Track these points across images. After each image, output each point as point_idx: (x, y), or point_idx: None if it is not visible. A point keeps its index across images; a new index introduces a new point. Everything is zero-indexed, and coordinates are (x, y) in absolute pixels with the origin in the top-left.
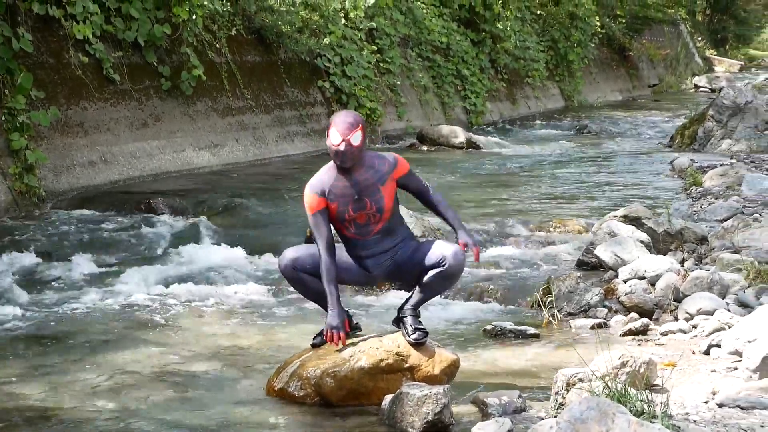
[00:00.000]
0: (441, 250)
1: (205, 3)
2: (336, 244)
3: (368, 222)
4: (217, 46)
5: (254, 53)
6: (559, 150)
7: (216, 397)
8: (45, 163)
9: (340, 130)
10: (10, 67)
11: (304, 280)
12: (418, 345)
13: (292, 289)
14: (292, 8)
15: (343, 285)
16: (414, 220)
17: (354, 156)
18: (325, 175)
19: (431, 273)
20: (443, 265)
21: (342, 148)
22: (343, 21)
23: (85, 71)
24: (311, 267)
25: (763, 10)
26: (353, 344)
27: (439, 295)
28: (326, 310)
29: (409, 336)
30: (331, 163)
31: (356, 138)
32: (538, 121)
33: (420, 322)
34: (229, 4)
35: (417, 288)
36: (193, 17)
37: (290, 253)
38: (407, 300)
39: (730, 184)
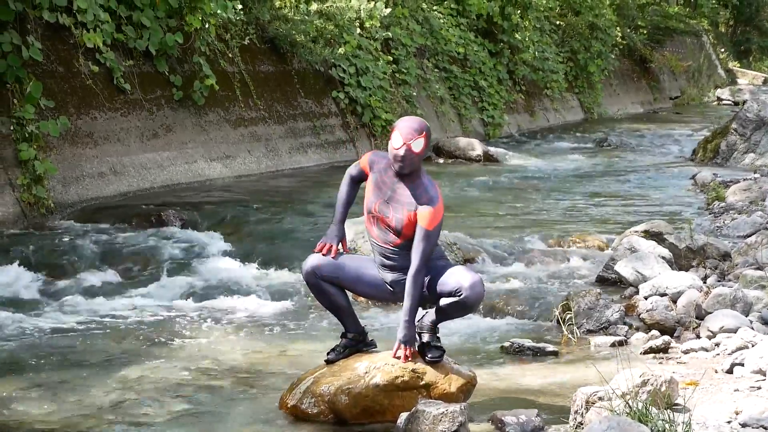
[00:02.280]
0: (458, 279)
1: (218, 12)
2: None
3: (388, 231)
4: (230, 55)
5: (267, 63)
6: (579, 164)
7: (228, 413)
8: (54, 174)
9: (404, 134)
10: (19, 76)
11: (324, 289)
12: (434, 363)
13: (305, 303)
14: (306, 17)
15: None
16: None
17: (413, 163)
18: (386, 159)
19: (446, 301)
20: (459, 296)
21: (402, 152)
22: (359, 31)
23: (95, 80)
24: (332, 275)
25: None
26: (369, 360)
27: (455, 318)
28: (343, 323)
29: (425, 354)
30: None
31: (418, 144)
32: (557, 134)
33: (438, 338)
34: (242, 12)
35: (435, 307)
36: (206, 26)
37: (312, 260)
38: (424, 316)
39: (754, 200)
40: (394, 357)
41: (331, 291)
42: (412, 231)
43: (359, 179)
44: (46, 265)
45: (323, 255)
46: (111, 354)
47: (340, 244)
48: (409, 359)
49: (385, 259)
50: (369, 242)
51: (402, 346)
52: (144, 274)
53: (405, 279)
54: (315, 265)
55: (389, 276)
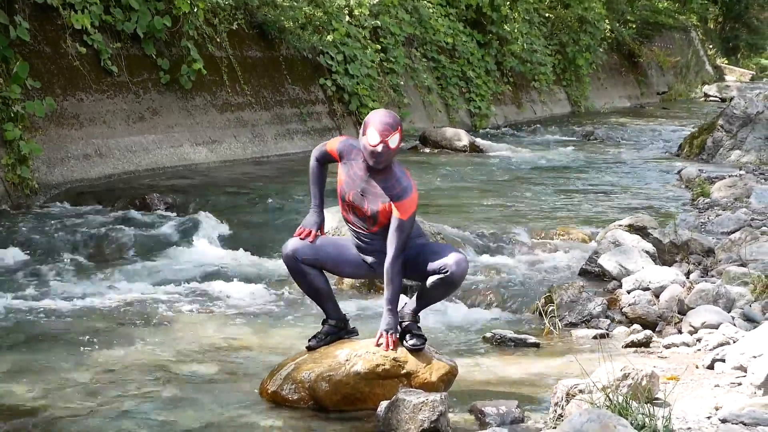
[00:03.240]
0: (443, 257)
1: None
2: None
3: (365, 218)
4: (218, 40)
5: (255, 48)
6: (565, 156)
7: (208, 398)
8: (39, 155)
9: (379, 129)
10: (5, 56)
11: (305, 272)
12: (415, 351)
13: (288, 289)
14: (295, 3)
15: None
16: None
17: (389, 158)
18: (359, 150)
19: (432, 279)
20: (444, 272)
21: (379, 149)
22: (348, 18)
23: (82, 62)
24: (312, 258)
25: None
26: (350, 348)
27: (438, 301)
28: (324, 309)
29: (407, 342)
30: None
31: (394, 140)
32: (543, 127)
33: (419, 328)
34: None
35: (417, 294)
36: (194, 10)
37: (292, 244)
38: (406, 304)
39: (739, 196)
40: (377, 345)
41: (311, 274)
42: (388, 218)
43: (325, 161)
44: (28, 246)
45: (302, 239)
46: (90, 337)
47: (319, 229)
48: (392, 348)
49: (363, 244)
50: (348, 233)
51: (384, 334)
52: (127, 258)
53: (383, 258)
54: (295, 249)
55: (369, 258)
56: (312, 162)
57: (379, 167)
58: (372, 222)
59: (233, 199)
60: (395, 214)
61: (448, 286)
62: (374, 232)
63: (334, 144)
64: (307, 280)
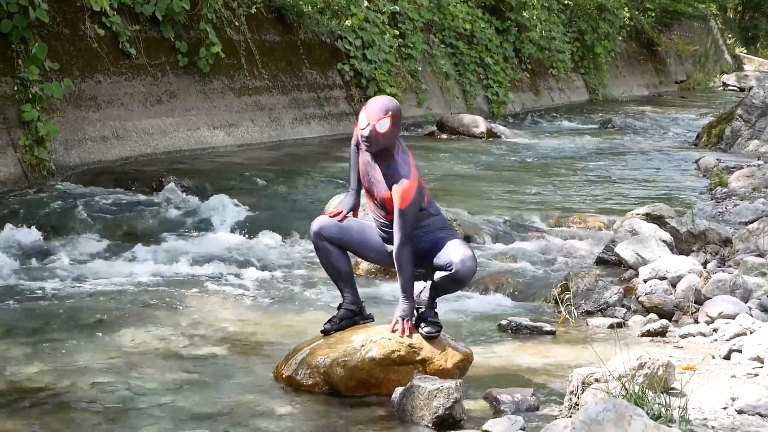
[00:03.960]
0: (450, 254)
1: None
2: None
3: (378, 206)
4: (236, 23)
5: (273, 32)
6: (582, 144)
7: (223, 382)
8: (56, 137)
9: (369, 114)
10: (24, 37)
11: (330, 251)
12: (431, 338)
13: (303, 274)
14: None
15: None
16: None
17: (379, 143)
18: None
19: (439, 275)
20: (450, 270)
21: (366, 132)
22: (366, 3)
23: (100, 44)
24: (337, 237)
25: None
26: (365, 334)
27: (451, 293)
28: (342, 292)
29: (422, 329)
30: None
31: (383, 125)
32: (561, 114)
33: (436, 314)
34: None
35: (430, 283)
36: None
37: (319, 221)
38: (422, 291)
39: (757, 186)
40: (392, 332)
41: (335, 254)
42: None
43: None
44: (44, 226)
45: (401, 336)
46: (105, 318)
47: (352, 212)
48: (407, 334)
49: (382, 233)
50: (370, 214)
51: (400, 320)
52: (142, 240)
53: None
54: (321, 226)
55: (389, 247)
56: (352, 146)
57: (371, 150)
58: (384, 209)
59: (250, 183)
60: (394, 202)
61: (455, 283)
62: (389, 220)
63: (355, 135)
64: (330, 259)
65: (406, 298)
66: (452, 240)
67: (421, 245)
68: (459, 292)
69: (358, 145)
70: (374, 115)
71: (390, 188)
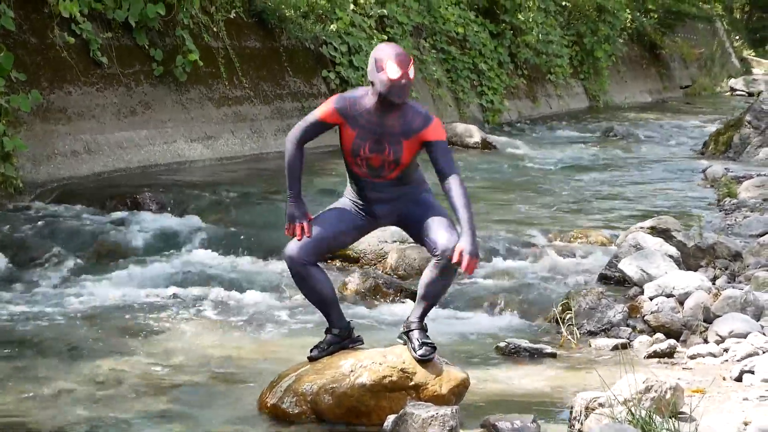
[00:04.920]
0: (437, 237)
1: None
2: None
3: (383, 167)
4: (215, 29)
5: (254, 38)
6: (583, 154)
7: (203, 411)
8: (24, 152)
9: (398, 62)
10: None
11: (312, 277)
12: (425, 361)
13: (289, 296)
14: None
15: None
16: None
17: (409, 92)
18: (362, 99)
19: (426, 278)
20: (435, 254)
21: (403, 81)
22: (352, 7)
23: (70, 53)
24: (316, 253)
25: None
26: (355, 358)
27: (440, 297)
28: (328, 318)
29: (415, 351)
30: (370, 90)
31: (412, 71)
32: (560, 122)
33: (427, 336)
34: None
35: (418, 296)
36: None
37: (293, 247)
38: (412, 312)
39: None
40: (463, 268)
41: (317, 279)
42: (411, 157)
43: (313, 137)
44: (12, 248)
45: (299, 239)
46: (80, 345)
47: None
48: (470, 272)
49: (375, 193)
50: (351, 184)
51: (467, 256)
52: (117, 261)
53: (392, 209)
54: (298, 252)
55: (379, 208)
56: (293, 147)
57: (403, 101)
58: (393, 167)
59: (230, 198)
60: (433, 138)
61: (444, 275)
62: (391, 178)
63: (328, 108)
64: (312, 286)
65: (472, 234)
66: (440, 218)
67: (408, 208)
68: (453, 310)
69: (307, 139)
70: (403, 62)
71: (418, 131)
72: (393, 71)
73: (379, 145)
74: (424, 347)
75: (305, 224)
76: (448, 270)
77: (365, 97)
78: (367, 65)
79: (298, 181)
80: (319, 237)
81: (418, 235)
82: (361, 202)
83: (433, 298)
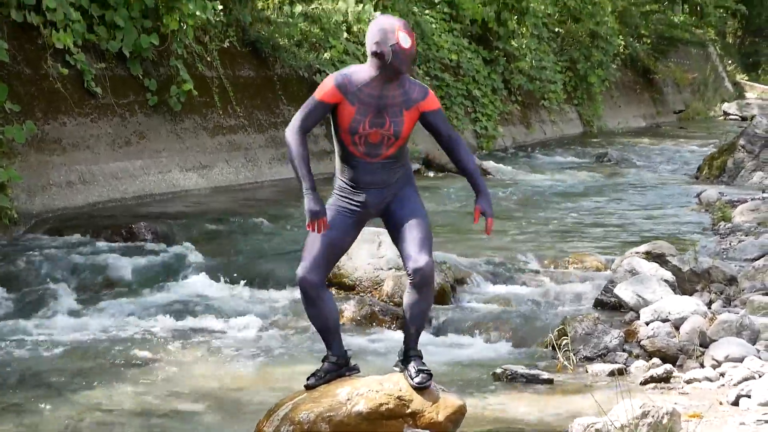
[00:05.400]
0: (409, 250)
1: (197, 13)
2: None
3: (381, 143)
4: (209, 59)
5: (248, 67)
6: (577, 179)
7: None
8: (18, 183)
9: (406, 31)
10: None
11: (323, 299)
12: (422, 389)
13: (285, 323)
14: (290, 20)
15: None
16: None
17: (413, 61)
18: (357, 74)
19: (405, 297)
20: (407, 273)
21: (413, 50)
22: (346, 35)
23: (64, 83)
24: (327, 270)
25: None
26: (351, 386)
27: (425, 317)
28: (328, 344)
29: (412, 379)
30: (366, 66)
31: (415, 39)
32: (554, 148)
33: (423, 363)
34: (222, 14)
35: (405, 322)
36: (183, 27)
37: (307, 267)
38: (405, 338)
39: (762, 221)
40: (475, 222)
41: (327, 304)
42: (409, 131)
43: (316, 123)
44: (6, 279)
45: (321, 232)
46: (76, 375)
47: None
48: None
49: (370, 177)
50: (343, 171)
51: (489, 220)
52: (113, 291)
53: (384, 197)
54: (313, 272)
55: (371, 196)
56: (296, 137)
57: (406, 71)
58: (391, 141)
59: (225, 227)
60: (429, 109)
61: (421, 293)
62: (388, 155)
63: (327, 87)
64: (320, 310)
65: (486, 195)
66: (416, 228)
67: (396, 200)
68: (449, 336)
69: (311, 125)
70: (409, 31)
71: (417, 101)
72: (405, 40)
73: (380, 118)
74: (420, 374)
75: (325, 220)
76: (423, 288)
77: (359, 72)
78: (366, 38)
79: (310, 172)
80: (324, 253)
81: (395, 239)
82: (351, 193)
83: (418, 320)
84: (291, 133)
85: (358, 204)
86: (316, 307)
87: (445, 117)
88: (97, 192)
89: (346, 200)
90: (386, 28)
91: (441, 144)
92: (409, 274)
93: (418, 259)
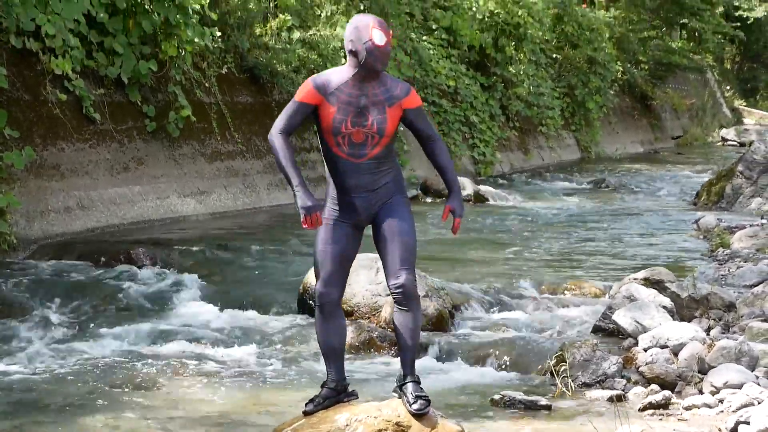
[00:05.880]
0: (391, 266)
1: (195, 39)
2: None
3: (365, 142)
4: (207, 85)
5: (246, 94)
6: (575, 205)
7: None
8: (17, 208)
9: (382, 29)
10: None
11: (337, 320)
12: (420, 415)
13: (283, 350)
14: (288, 46)
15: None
16: (417, 278)
17: (389, 59)
18: (335, 75)
19: (394, 319)
20: (390, 287)
21: (388, 48)
22: (344, 61)
23: (63, 109)
24: (344, 284)
25: None
26: (350, 412)
27: (417, 337)
28: (331, 368)
29: (410, 405)
30: (345, 66)
31: (391, 38)
32: (552, 174)
33: (422, 389)
34: (220, 40)
35: (398, 346)
36: (182, 54)
37: (328, 284)
38: (401, 364)
39: (761, 247)
40: (453, 233)
41: (340, 327)
42: (393, 128)
43: (299, 123)
44: (5, 304)
45: (314, 228)
46: (74, 401)
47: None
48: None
49: (357, 179)
50: (331, 177)
51: (460, 219)
52: (111, 317)
53: (373, 202)
54: (330, 287)
55: (360, 202)
56: (279, 137)
57: (383, 69)
58: (376, 140)
59: (224, 253)
60: (412, 106)
61: (409, 310)
62: (374, 155)
63: (306, 89)
64: (332, 329)
65: (458, 195)
66: (401, 243)
67: (385, 206)
68: (447, 363)
69: (294, 126)
70: (385, 29)
71: (399, 98)
72: (379, 38)
73: (361, 117)
74: (419, 401)
75: (320, 213)
76: (406, 304)
77: (336, 73)
78: (344, 38)
79: (297, 169)
80: (336, 267)
81: (378, 250)
82: (341, 200)
83: (411, 341)
84: (273, 135)
85: (349, 212)
86: (329, 325)
87: (425, 115)
88: (96, 217)
89: (338, 210)
90: (360, 27)
91: (420, 142)
92: (392, 291)
93: (398, 274)
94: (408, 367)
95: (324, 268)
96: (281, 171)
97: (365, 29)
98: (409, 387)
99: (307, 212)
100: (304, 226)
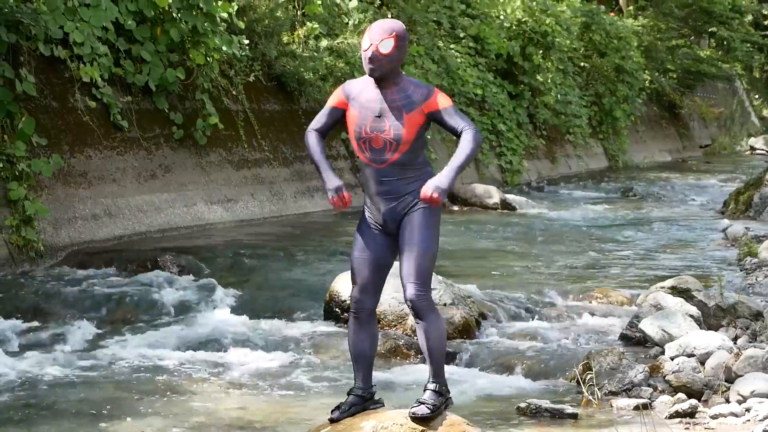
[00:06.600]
0: (403, 277)
1: (223, 47)
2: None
3: (384, 148)
4: (234, 92)
5: (273, 101)
6: (602, 214)
7: None
8: (45, 216)
9: (372, 34)
10: (10, 111)
11: (370, 327)
12: (419, 420)
13: (308, 357)
14: (315, 54)
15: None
16: (444, 286)
17: (382, 65)
18: (361, 82)
19: (417, 332)
20: (404, 294)
21: (369, 53)
22: None
23: (91, 117)
24: (377, 289)
25: None
26: (376, 420)
27: (442, 347)
28: (359, 375)
29: (410, 408)
30: None
31: (385, 45)
32: (579, 182)
33: (434, 396)
34: (248, 48)
35: (425, 357)
36: (209, 61)
37: (359, 288)
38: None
39: None
40: (422, 197)
41: (372, 334)
42: (411, 135)
43: (333, 125)
44: (33, 312)
45: (344, 206)
46: (100, 407)
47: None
48: (436, 204)
49: (380, 185)
50: (364, 179)
51: (434, 190)
52: (137, 324)
53: (398, 210)
54: (366, 294)
55: (386, 209)
56: (310, 134)
57: (375, 75)
58: (394, 146)
59: (250, 261)
60: (433, 109)
61: (426, 321)
62: (394, 161)
63: (337, 94)
64: (365, 336)
65: (448, 176)
66: (412, 254)
67: (408, 212)
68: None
69: (328, 127)
70: (378, 35)
71: (422, 102)
72: (363, 42)
73: (380, 122)
74: (420, 406)
75: (348, 194)
76: (420, 315)
77: (365, 79)
78: None
79: (325, 158)
80: (371, 274)
81: (400, 259)
82: (371, 205)
83: (436, 351)
84: (307, 132)
85: (378, 217)
86: (362, 332)
87: (454, 113)
88: (123, 225)
89: (372, 216)
90: (368, 29)
91: (456, 136)
92: (406, 302)
93: (405, 287)
94: (431, 375)
95: (360, 275)
96: (312, 162)
97: (364, 35)
98: (426, 393)
99: (335, 192)
100: (331, 204)
